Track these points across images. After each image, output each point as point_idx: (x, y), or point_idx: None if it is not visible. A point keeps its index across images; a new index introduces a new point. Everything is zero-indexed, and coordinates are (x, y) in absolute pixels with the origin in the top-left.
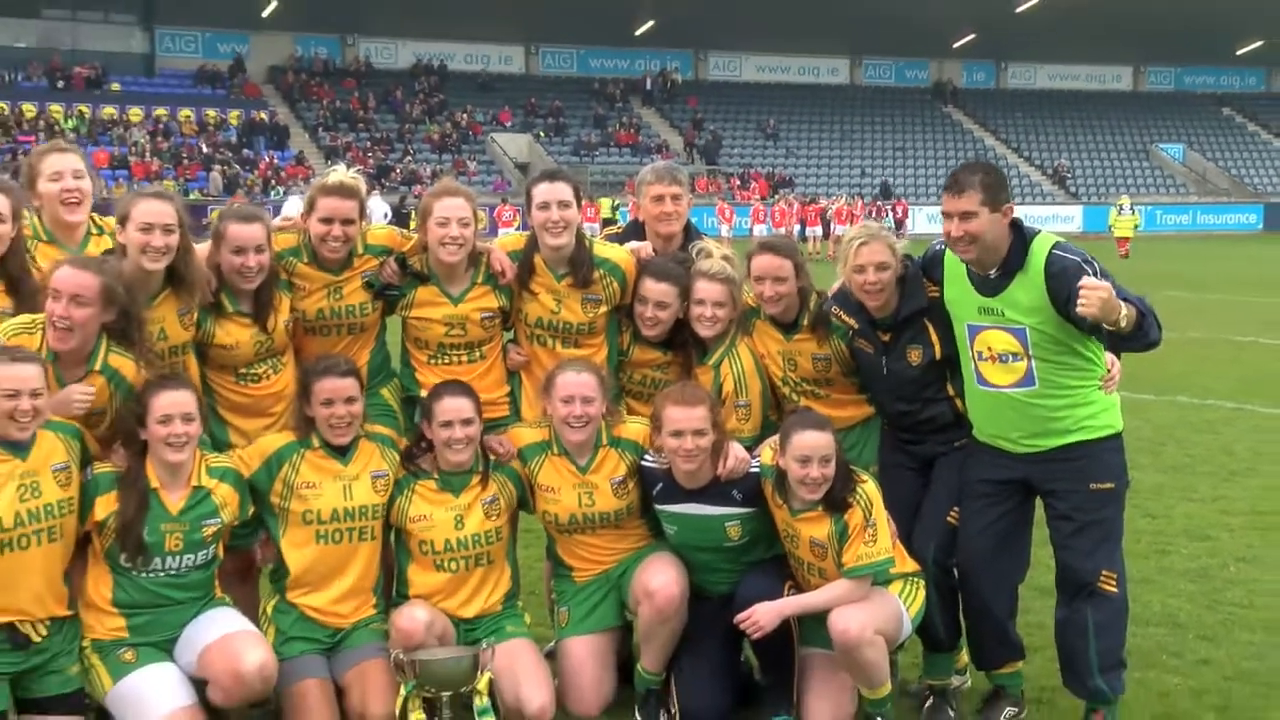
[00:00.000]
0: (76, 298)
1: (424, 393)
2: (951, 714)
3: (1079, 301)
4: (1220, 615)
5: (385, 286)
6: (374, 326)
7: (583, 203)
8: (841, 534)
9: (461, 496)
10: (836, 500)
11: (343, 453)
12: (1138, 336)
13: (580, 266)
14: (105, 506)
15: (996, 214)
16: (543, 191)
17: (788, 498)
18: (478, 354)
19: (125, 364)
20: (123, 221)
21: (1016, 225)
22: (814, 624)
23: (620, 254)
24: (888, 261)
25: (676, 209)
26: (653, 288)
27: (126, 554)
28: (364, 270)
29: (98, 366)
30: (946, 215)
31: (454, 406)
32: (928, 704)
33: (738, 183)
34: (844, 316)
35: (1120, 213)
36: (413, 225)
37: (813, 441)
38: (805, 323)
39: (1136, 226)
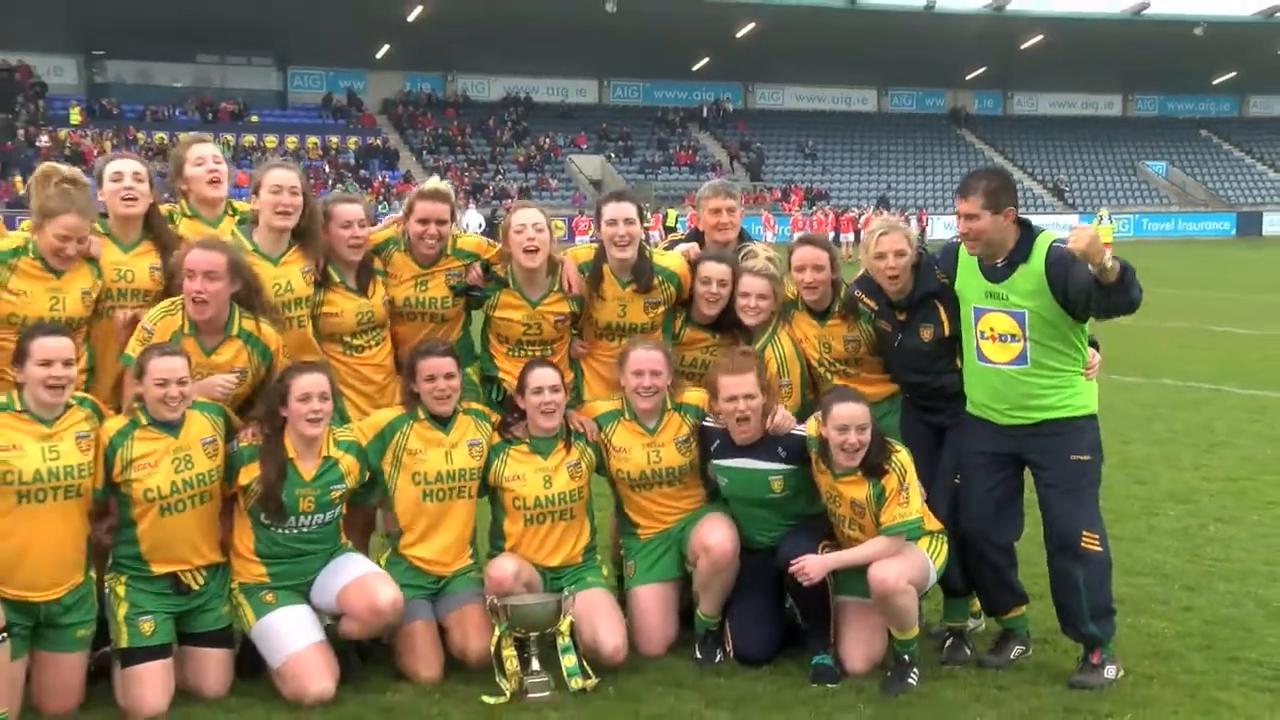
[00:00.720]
0: (209, 274)
1: (502, 375)
2: (968, 652)
3: (1069, 239)
4: (1201, 568)
5: (469, 288)
6: (456, 319)
7: (646, 216)
8: (879, 496)
9: (549, 459)
10: (873, 465)
11: (444, 424)
12: (1121, 289)
13: (642, 275)
14: (248, 474)
15: (998, 216)
16: (611, 210)
17: (830, 463)
18: (549, 349)
19: (254, 325)
20: (256, 190)
21: (1024, 223)
22: (849, 576)
23: (675, 261)
24: (904, 249)
25: (731, 220)
26: (714, 269)
27: (267, 514)
28: (448, 269)
29: (235, 331)
30: (958, 215)
31: (545, 374)
32: (948, 643)
33: (779, 195)
34: (866, 299)
35: (1101, 222)
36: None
37: (850, 412)
38: (836, 309)
39: (1114, 233)
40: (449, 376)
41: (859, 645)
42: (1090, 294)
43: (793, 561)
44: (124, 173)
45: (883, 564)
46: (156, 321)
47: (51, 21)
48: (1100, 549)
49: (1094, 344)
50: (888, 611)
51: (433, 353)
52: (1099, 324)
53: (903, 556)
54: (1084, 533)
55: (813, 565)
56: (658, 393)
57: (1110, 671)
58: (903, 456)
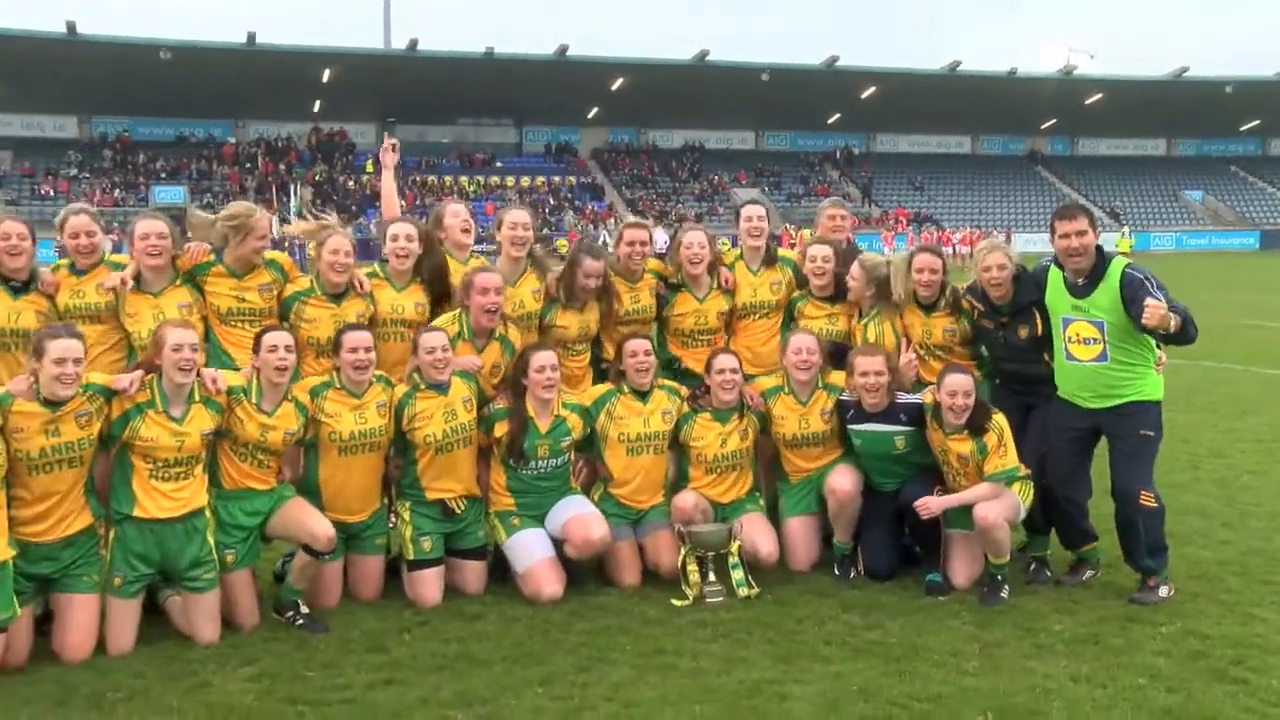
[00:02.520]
0: (499, 289)
1: (682, 364)
2: (1049, 574)
3: (1144, 314)
4: (1236, 509)
5: (659, 296)
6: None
7: (784, 231)
8: (982, 450)
9: (727, 425)
10: (977, 425)
11: (643, 396)
12: (1180, 337)
13: (769, 259)
14: (500, 429)
15: (1094, 233)
16: (747, 209)
17: (942, 423)
18: (711, 340)
19: (505, 329)
20: (498, 226)
21: (1099, 249)
22: (956, 513)
23: (791, 253)
24: (1006, 264)
25: (842, 224)
26: (818, 250)
27: (513, 458)
28: (649, 286)
29: (496, 335)
30: (1064, 235)
31: (727, 360)
32: (1031, 568)
33: (893, 218)
34: (974, 302)
35: (1122, 237)
36: None
37: (958, 381)
38: (942, 305)
39: (1132, 247)
40: (647, 354)
41: (963, 566)
42: (1153, 334)
43: (918, 502)
44: (400, 235)
45: (985, 504)
46: (444, 327)
47: (361, 100)
48: (1155, 504)
49: (1159, 346)
50: (987, 541)
51: (637, 336)
52: None
53: (1000, 499)
54: (1141, 491)
55: (935, 503)
56: (811, 368)
57: (1164, 591)
58: (1000, 419)
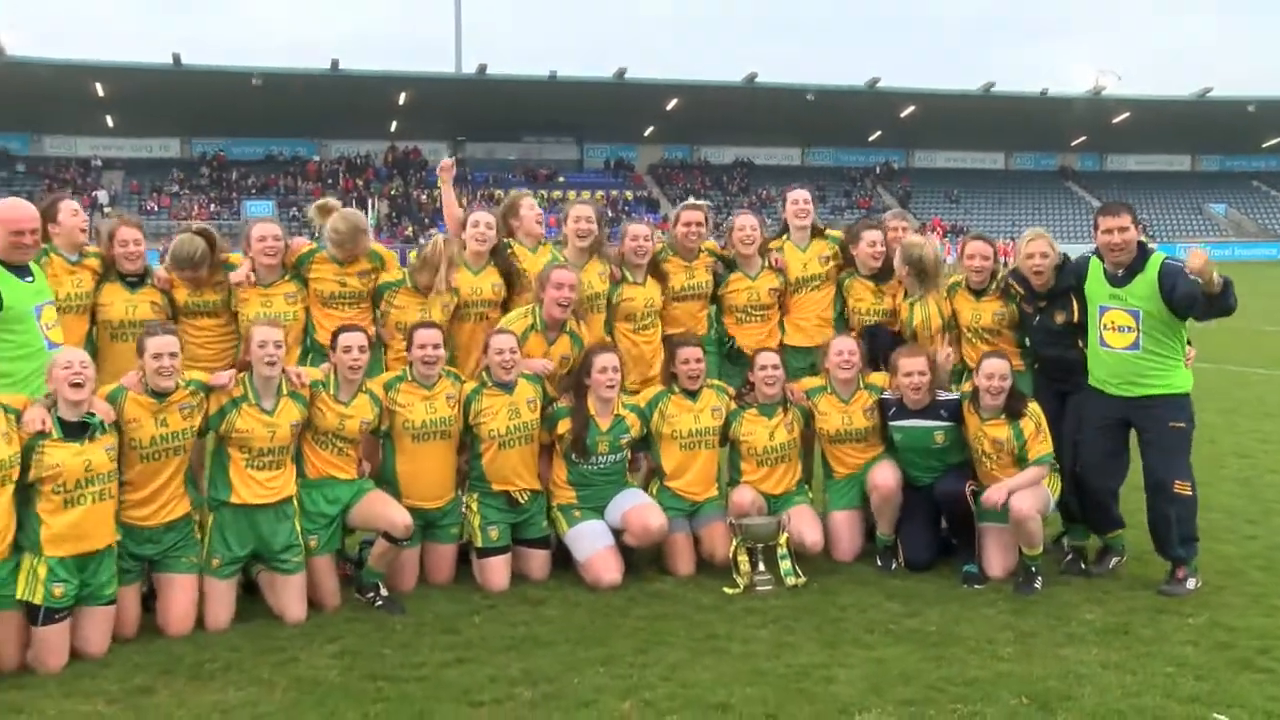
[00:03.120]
0: (573, 285)
1: (735, 344)
2: (1083, 566)
3: (1188, 259)
4: (1260, 506)
5: (716, 274)
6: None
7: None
8: (1019, 436)
9: (773, 419)
10: (1013, 410)
11: (693, 395)
12: (1222, 298)
13: (815, 234)
14: (563, 426)
15: (1135, 230)
16: (793, 194)
17: (979, 408)
18: (764, 315)
19: (576, 325)
20: (564, 220)
21: (1141, 244)
22: (989, 509)
23: (837, 232)
24: (1048, 251)
25: (903, 236)
26: (869, 234)
27: (575, 454)
28: (705, 264)
29: (567, 329)
30: (1108, 230)
31: (769, 357)
32: (1068, 558)
33: (930, 229)
34: (1016, 286)
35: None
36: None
37: (995, 365)
38: (992, 289)
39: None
40: (698, 360)
41: (998, 557)
42: (1196, 300)
43: (984, 496)
44: (480, 222)
45: (1021, 495)
46: (513, 323)
47: (434, 120)
48: (1190, 493)
49: (1189, 342)
50: (1020, 533)
51: (688, 343)
52: (1194, 328)
53: (1035, 492)
54: (1176, 481)
55: (997, 494)
56: (852, 368)
57: (1191, 583)
58: (1035, 407)
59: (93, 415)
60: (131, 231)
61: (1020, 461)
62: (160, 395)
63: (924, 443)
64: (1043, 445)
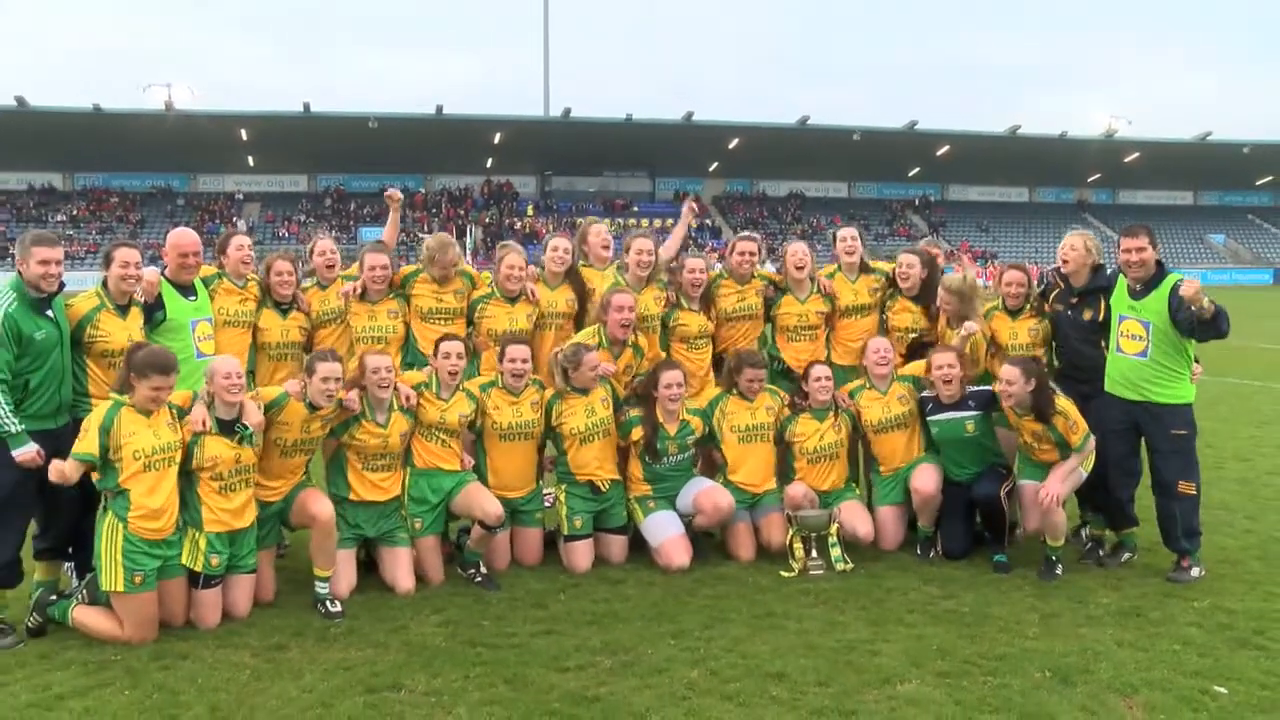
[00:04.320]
0: (631, 308)
1: (783, 363)
2: (1101, 554)
3: (1181, 286)
4: (1258, 504)
5: (767, 299)
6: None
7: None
8: (1054, 431)
9: (824, 422)
10: (1043, 413)
11: (749, 397)
12: (1213, 324)
13: (864, 270)
14: (636, 433)
15: (1152, 251)
16: (841, 232)
17: (1011, 409)
18: (813, 335)
19: (635, 339)
20: (627, 249)
21: (1160, 263)
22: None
23: (884, 265)
24: (1077, 245)
25: (940, 259)
26: (905, 257)
27: (648, 455)
28: (755, 289)
29: (630, 343)
30: (1126, 250)
31: (822, 369)
32: (1089, 546)
33: (958, 254)
34: (1056, 280)
35: None
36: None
37: (1005, 371)
38: (1027, 309)
39: None
40: (760, 380)
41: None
42: (1192, 324)
43: (1041, 494)
44: (559, 246)
45: (1049, 485)
46: (582, 339)
47: (524, 156)
48: (1193, 492)
49: (1196, 360)
50: (1046, 524)
51: (755, 364)
52: (1200, 345)
53: (1066, 482)
54: (1180, 482)
55: (1054, 490)
56: (887, 364)
57: (1195, 572)
58: (1062, 401)
59: (245, 427)
60: (285, 264)
61: (1061, 446)
62: (314, 408)
63: (956, 433)
64: (1078, 434)
